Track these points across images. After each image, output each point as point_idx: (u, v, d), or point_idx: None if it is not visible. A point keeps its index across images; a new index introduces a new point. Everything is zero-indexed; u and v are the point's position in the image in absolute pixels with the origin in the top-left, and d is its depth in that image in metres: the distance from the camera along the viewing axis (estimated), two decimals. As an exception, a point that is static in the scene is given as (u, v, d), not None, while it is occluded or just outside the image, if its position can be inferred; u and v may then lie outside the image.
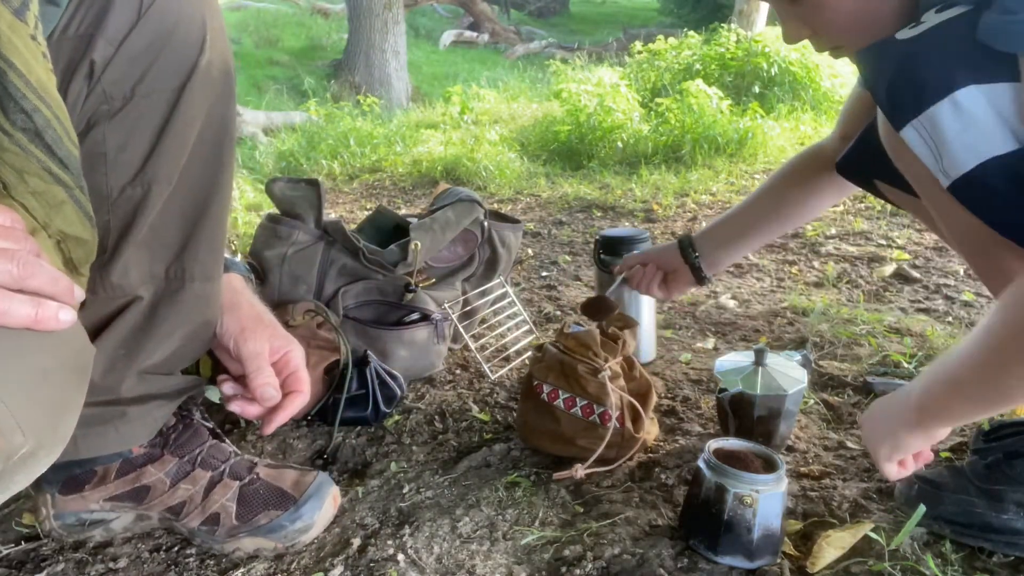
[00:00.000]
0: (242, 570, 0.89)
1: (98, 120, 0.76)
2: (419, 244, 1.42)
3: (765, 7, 5.87)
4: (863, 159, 1.05)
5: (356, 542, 0.93)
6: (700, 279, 1.26)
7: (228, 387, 0.92)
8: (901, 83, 0.71)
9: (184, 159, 0.81)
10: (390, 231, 1.54)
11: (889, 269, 1.95)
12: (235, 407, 0.91)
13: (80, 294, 0.54)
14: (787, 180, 1.21)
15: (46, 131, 0.56)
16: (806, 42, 0.89)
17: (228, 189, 0.88)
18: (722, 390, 1.09)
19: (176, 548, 0.94)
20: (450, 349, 1.51)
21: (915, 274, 1.89)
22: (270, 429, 0.91)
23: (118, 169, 0.78)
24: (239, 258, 1.07)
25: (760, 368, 1.07)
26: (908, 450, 0.84)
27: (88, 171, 0.74)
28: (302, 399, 0.92)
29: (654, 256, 1.30)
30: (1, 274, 0.47)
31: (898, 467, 0.87)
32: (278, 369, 0.92)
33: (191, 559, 0.92)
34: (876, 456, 0.87)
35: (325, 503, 0.95)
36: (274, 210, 1.45)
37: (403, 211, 2.37)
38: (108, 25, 0.73)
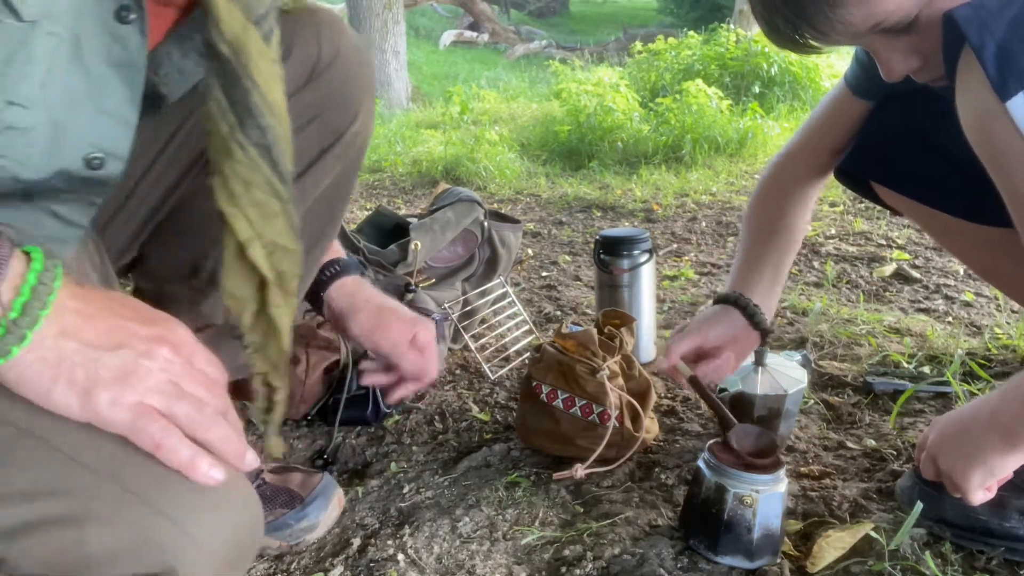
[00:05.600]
0: (242, 570, 0.89)
1: None
2: (419, 244, 1.42)
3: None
4: (864, 160, 1.05)
5: (356, 542, 0.93)
6: (766, 338, 1.09)
7: (371, 379, 1.00)
8: (1017, 46, 0.63)
9: (302, 212, 0.83)
10: (390, 231, 1.54)
11: (889, 269, 1.94)
12: (397, 395, 0.99)
13: (253, 461, 0.53)
14: (778, 204, 1.13)
15: (274, 147, 0.59)
16: None
17: (329, 242, 0.94)
18: (722, 390, 1.09)
19: (176, 548, 0.94)
20: (450, 349, 1.51)
21: (915, 274, 1.89)
22: (398, 397, 1.00)
23: None
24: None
25: (760, 368, 1.07)
26: (1003, 473, 0.81)
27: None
28: (433, 371, 1.01)
29: (713, 336, 1.07)
30: (183, 416, 0.49)
31: (984, 491, 0.83)
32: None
33: (191, 559, 0.92)
34: (967, 484, 0.81)
35: (331, 504, 0.96)
36: (274, 210, 1.45)
37: (403, 211, 2.37)
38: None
